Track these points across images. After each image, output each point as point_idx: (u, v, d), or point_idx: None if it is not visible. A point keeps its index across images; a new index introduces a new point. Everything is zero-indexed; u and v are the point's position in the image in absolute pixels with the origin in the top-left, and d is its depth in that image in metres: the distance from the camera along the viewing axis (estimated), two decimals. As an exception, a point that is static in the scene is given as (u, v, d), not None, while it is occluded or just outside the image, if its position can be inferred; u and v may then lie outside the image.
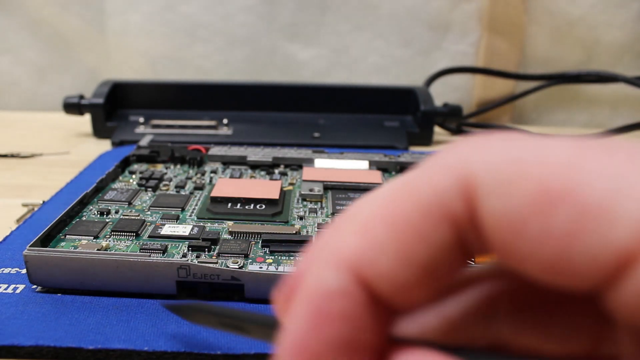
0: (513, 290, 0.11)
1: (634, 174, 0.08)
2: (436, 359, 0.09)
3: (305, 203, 0.32)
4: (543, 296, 0.10)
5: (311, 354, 0.09)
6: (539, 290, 0.10)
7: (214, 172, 0.37)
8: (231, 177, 0.36)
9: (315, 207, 0.31)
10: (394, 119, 0.56)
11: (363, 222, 0.09)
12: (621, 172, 0.08)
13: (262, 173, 0.37)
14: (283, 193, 0.33)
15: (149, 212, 0.30)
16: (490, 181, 0.09)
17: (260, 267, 0.24)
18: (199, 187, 0.34)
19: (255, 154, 0.39)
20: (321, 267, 0.09)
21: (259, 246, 0.26)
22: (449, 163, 0.09)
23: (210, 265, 0.23)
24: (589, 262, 0.08)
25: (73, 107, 0.52)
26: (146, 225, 0.28)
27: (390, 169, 0.39)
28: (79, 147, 0.50)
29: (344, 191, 0.34)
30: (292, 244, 0.26)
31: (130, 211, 0.30)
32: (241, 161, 0.39)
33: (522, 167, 0.08)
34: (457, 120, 0.55)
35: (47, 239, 0.25)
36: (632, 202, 0.08)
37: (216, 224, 0.29)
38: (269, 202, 0.31)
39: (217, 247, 0.26)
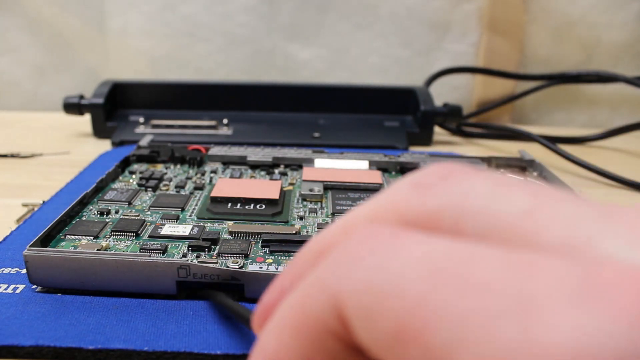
0: None
1: (478, 318, 0.08)
2: None
3: (305, 203, 0.32)
4: None
5: None
6: None
7: (214, 172, 0.37)
8: (231, 177, 0.36)
9: (315, 207, 0.31)
10: (394, 119, 0.56)
11: (277, 324, 0.11)
12: (467, 315, 0.08)
13: (262, 173, 0.37)
14: (283, 193, 0.33)
15: (149, 212, 0.30)
16: (355, 312, 0.09)
17: (260, 267, 0.24)
18: (199, 187, 0.34)
19: (255, 154, 0.39)
20: None
21: (259, 246, 0.26)
22: (324, 283, 0.10)
23: (210, 265, 0.23)
24: None
25: (73, 107, 0.52)
26: (146, 225, 0.28)
27: (390, 169, 0.39)
28: (79, 147, 0.50)
29: (344, 191, 0.34)
30: (292, 244, 0.26)
31: (130, 211, 0.30)
32: (241, 161, 0.39)
33: (381, 300, 0.09)
34: (457, 120, 0.55)
35: (47, 239, 0.25)
36: (470, 351, 0.07)
37: (216, 224, 0.29)
38: (269, 202, 0.31)
39: (217, 247, 0.26)
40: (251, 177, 0.37)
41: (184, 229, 0.27)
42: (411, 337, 0.08)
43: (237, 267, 0.23)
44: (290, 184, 0.35)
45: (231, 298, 0.22)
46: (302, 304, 0.10)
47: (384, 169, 0.38)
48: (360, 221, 0.12)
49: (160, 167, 0.38)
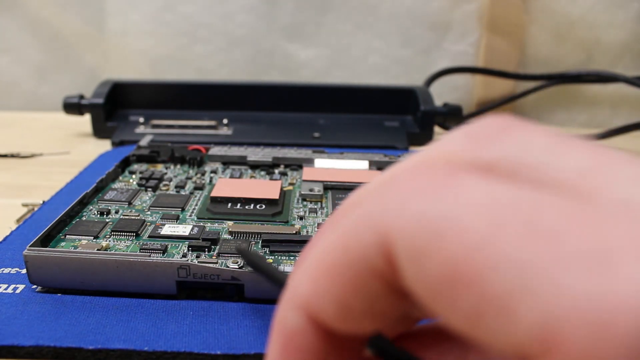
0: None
1: (542, 266, 0.07)
2: None
3: (305, 203, 0.32)
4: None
5: None
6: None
7: (214, 172, 0.37)
8: (231, 177, 0.36)
9: (315, 207, 0.31)
10: (394, 119, 0.56)
11: (311, 267, 0.10)
12: (530, 263, 0.07)
13: (262, 173, 0.37)
14: (283, 193, 0.33)
15: (149, 212, 0.30)
16: (406, 248, 0.09)
17: (260, 267, 0.24)
18: (199, 187, 0.34)
19: (255, 154, 0.39)
20: (284, 309, 0.11)
21: (259, 246, 0.26)
22: (371, 220, 0.09)
23: (210, 265, 0.23)
24: (489, 346, 0.08)
25: (73, 107, 0.52)
26: (146, 225, 0.28)
27: (390, 169, 0.39)
28: (79, 147, 0.50)
29: (344, 191, 0.34)
30: (292, 244, 0.26)
31: (130, 211, 0.30)
32: (241, 161, 0.39)
33: (436, 238, 0.08)
34: (457, 120, 0.55)
35: (47, 239, 0.25)
36: (531, 303, 0.07)
37: (216, 224, 0.29)
38: (269, 202, 0.31)
39: (217, 247, 0.26)
40: (251, 177, 0.37)
41: (184, 229, 0.27)
42: (466, 282, 0.08)
43: (237, 267, 0.23)
44: (290, 184, 0.35)
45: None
46: (345, 242, 0.10)
47: (384, 169, 0.38)
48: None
49: (160, 167, 0.38)
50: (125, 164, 0.38)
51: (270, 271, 0.17)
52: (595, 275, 0.07)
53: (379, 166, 0.39)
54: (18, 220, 0.32)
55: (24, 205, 0.34)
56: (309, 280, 0.10)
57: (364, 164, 0.38)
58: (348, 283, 0.10)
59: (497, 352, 0.08)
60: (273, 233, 0.27)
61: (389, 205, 0.09)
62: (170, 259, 0.24)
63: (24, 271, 0.25)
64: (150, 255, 0.23)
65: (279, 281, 0.15)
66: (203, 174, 0.37)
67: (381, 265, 0.09)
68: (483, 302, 0.08)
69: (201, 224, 0.28)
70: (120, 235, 0.27)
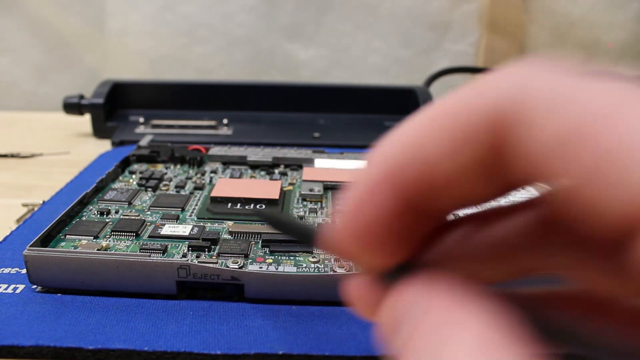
0: (552, 221, 0.12)
1: None
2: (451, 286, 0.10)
3: (305, 203, 0.32)
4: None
5: (355, 230, 0.11)
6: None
7: (214, 172, 0.37)
8: (231, 177, 0.36)
9: (315, 207, 0.31)
10: (394, 119, 0.56)
11: (415, 123, 0.11)
12: None
13: (262, 173, 0.37)
14: (283, 193, 0.33)
15: (149, 212, 0.30)
16: (532, 106, 0.09)
17: (260, 267, 0.24)
18: (199, 187, 0.34)
19: (255, 154, 0.39)
20: (374, 159, 0.11)
21: (259, 246, 0.26)
22: (501, 81, 0.10)
23: (210, 265, 0.23)
24: (607, 206, 0.08)
25: (73, 107, 0.52)
26: (146, 225, 0.28)
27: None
28: (79, 147, 0.50)
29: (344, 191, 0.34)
30: (292, 244, 0.26)
31: (130, 211, 0.30)
32: (241, 161, 0.39)
33: (565, 100, 0.09)
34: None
35: (47, 239, 0.25)
36: None
37: (216, 224, 0.29)
38: (269, 202, 0.31)
39: (217, 247, 0.26)
40: (251, 177, 0.37)
41: (184, 229, 0.27)
42: (593, 133, 0.08)
43: (237, 267, 0.23)
44: (290, 184, 0.35)
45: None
46: (468, 96, 0.10)
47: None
48: None
49: (160, 167, 0.38)
50: (125, 164, 0.38)
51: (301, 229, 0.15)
52: None
53: (379, 166, 0.39)
54: (18, 220, 0.32)
55: (24, 205, 0.34)
56: (413, 133, 0.11)
57: (364, 164, 0.38)
58: (461, 133, 0.10)
59: (598, 225, 0.08)
60: (273, 233, 0.27)
61: (521, 70, 0.10)
62: (170, 259, 0.24)
63: (24, 271, 0.25)
64: (150, 255, 0.23)
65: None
66: (203, 174, 0.37)
67: (504, 119, 0.09)
68: (605, 157, 0.08)
69: (201, 224, 0.28)
70: (120, 235, 0.27)
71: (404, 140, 0.11)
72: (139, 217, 0.29)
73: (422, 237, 0.12)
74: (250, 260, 0.24)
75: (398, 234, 0.11)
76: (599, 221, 0.08)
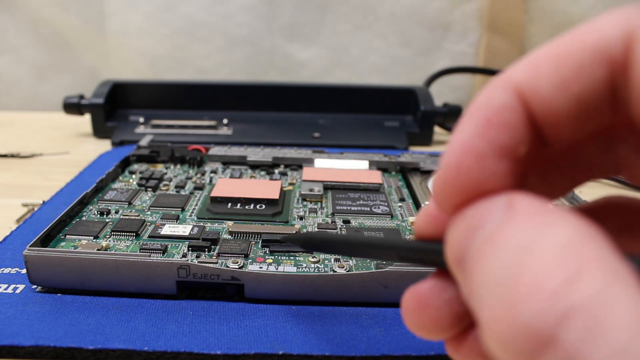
0: (622, 214, 0.12)
1: None
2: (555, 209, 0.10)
3: (305, 203, 0.32)
4: None
5: (476, 152, 0.11)
6: None
7: (214, 172, 0.37)
8: (231, 177, 0.36)
9: (315, 207, 0.31)
10: (394, 119, 0.56)
11: (534, 57, 0.11)
12: None
13: (262, 173, 0.37)
14: (283, 193, 0.33)
15: (149, 212, 0.30)
16: None
17: (260, 267, 0.24)
18: (199, 187, 0.34)
19: (255, 154, 0.39)
20: (492, 88, 0.11)
21: (259, 246, 0.26)
22: (617, 18, 0.10)
23: (210, 265, 0.23)
24: None
25: (73, 107, 0.52)
26: (146, 225, 0.28)
27: (390, 169, 0.39)
28: (79, 147, 0.50)
29: (344, 191, 0.34)
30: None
31: (130, 211, 0.30)
32: (241, 161, 0.39)
33: None
34: (457, 120, 0.55)
35: (47, 239, 0.25)
36: None
37: (216, 224, 0.29)
38: (269, 202, 0.31)
39: (217, 247, 0.26)
40: (251, 177, 0.37)
41: (184, 229, 0.27)
42: None
43: (237, 267, 0.23)
44: (290, 184, 0.35)
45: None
46: (584, 32, 0.10)
47: (384, 169, 0.38)
48: None
49: (160, 167, 0.38)
50: (125, 164, 0.38)
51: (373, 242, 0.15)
52: None
53: (379, 166, 0.39)
54: (18, 220, 0.32)
55: (24, 205, 0.34)
56: (530, 66, 0.11)
57: (364, 164, 0.38)
58: (577, 66, 0.10)
59: None
60: (273, 233, 0.27)
61: (637, 10, 0.10)
62: (170, 259, 0.24)
63: (24, 271, 0.25)
64: (150, 255, 0.23)
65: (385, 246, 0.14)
66: (203, 174, 0.37)
67: (618, 53, 0.10)
68: None
69: (201, 224, 0.28)
70: (120, 235, 0.27)
71: (538, 63, 0.11)
72: (139, 217, 0.29)
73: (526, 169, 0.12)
74: (250, 260, 0.24)
75: (519, 157, 0.11)
76: None
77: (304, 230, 0.28)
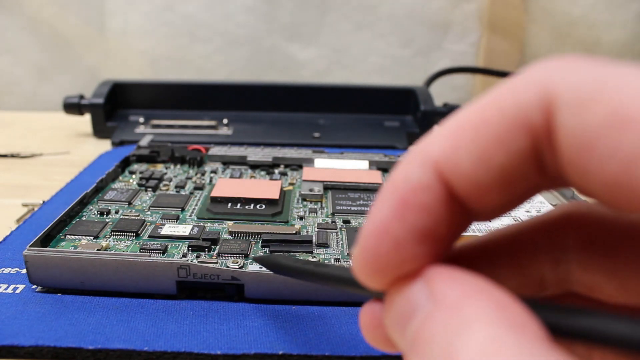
0: (582, 229, 0.12)
1: None
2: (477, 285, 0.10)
3: (305, 203, 0.32)
4: (612, 234, 0.11)
5: (392, 237, 0.10)
6: (608, 228, 0.11)
7: (214, 172, 0.37)
8: (231, 177, 0.36)
9: (315, 207, 0.31)
10: (394, 119, 0.56)
11: (451, 128, 0.10)
12: None
13: (262, 173, 0.37)
14: (283, 193, 0.33)
15: (149, 212, 0.30)
16: (569, 98, 0.09)
17: (261, 267, 0.24)
18: (199, 187, 0.34)
19: (255, 154, 0.39)
20: (409, 164, 0.11)
21: (259, 246, 0.26)
22: (533, 78, 0.10)
23: (210, 265, 0.23)
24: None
25: (73, 107, 0.52)
26: (146, 225, 0.28)
27: (390, 169, 0.39)
28: (79, 147, 0.50)
29: (344, 191, 0.34)
30: (292, 244, 0.26)
31: (130, 211, 0.30)
32: (241, 161, 0.39)
33: (602, 89, 0.09)
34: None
35: (47, 239, 0.25)
36: None
37: (216, 224, 0.29)
38: (269, 202, 0.31)
39: (217, 247, 0.26)
40: (251, 177, 0.37)
41: (184, 229, 0.27)
42: (630, 121, 0.08)
43: (237, 267, 0.23)
44: (290, 184, 0.35)
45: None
46: (500, 98, 0.10)
47: (384, 169, 0.38)
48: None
49: (160, 167, 0.38)
50: (125, 164, 0.38)
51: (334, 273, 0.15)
52: None
53: (379, 166, 0.39)
54: (18, 220, 0.32)
55: (24, 205, 0.34)
56: (447, 138, 0.10)
57: (364, 164, 0.38)
58: (496, 138, 0.10)
59: (633, 209, 0.09)
60: (273, 233, 0.27)
61: (555, 67, 0.10)
62: (170, 259, 0.24)
63: (24, 271, 0.25)
64: (150, 255, 0.23)
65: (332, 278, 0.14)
66: (203, 174, 0.37)
67: (538, 120, 0.09)
68: None
69: (201, 224, 0.28)
70: (120, 235, 0.27)
71: (455, 135, 0.10)
72: (139, 217, 0.29)
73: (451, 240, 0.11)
74: (250, 260, 0.24)
75: (440, 237, 0.11)
76: (635, 197, 0.09)
77: (304, 231, 0.28)
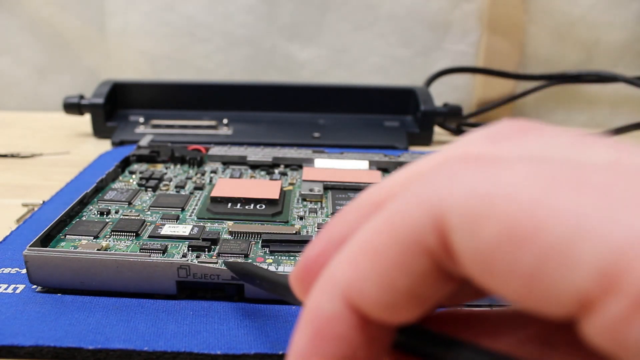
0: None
1: (599, 212, 0.08)
2: None
3: (305, 203, 0.32)
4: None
5: None
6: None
7: (214, 172, 0.37)
8: (231, 177, 0.36)
9: (315, 207, 0.31)
10: (394, 119, 0.56)
11: (353, 253, 0.10)
12: (586, 211, 0.08)
13: (262, 173, 0.37)
14: (283, 193, 0.33)
15: (149, 212, 0.30)
16: (460, 218, 0.09)
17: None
18: (199, 187, 0.34)
19: (255, 154, 0.39)
20: (319, 294, 0.11)
21: (259, 246, 0.26)
22: (422, 198, 0.10)
23: (210, 265, 0.23)
24: (552, 300, 0.08)
25: (73, 107, 0.52)
26: (146, 225, 0.28)
27: (390, 169, 0.39)
28: (79, 147, 0.50)
29: (344, 191, 0.34)
30: (292, 244, 0.26)
31: (130, 211, 0.30)
32: (241, 161, 0.39)
33: (490, 204, 0.08)
34: (457, 120, 0.55)
35: (47, 239, 0.25)
36: (591, 246, 0.08)
37: (216, 224, 0.29)
38: (269, 202, 0.31)
39: (217, 247, 0.26)
40: (251, 177, 0.37)
41: (184, 229, 0.27)
42: (525, 236, 0.08)
43: (237, 267, 0.23)
44: (290, 184, 0.35)
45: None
46: (394, 225, 0.10)
47: (384, 169, 0.38)
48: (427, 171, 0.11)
49: (160, 167, 0.38)
50: (125, 164, 0.38)
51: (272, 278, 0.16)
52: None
53: (379, 166, 0.39)
54: (18, 220, 0.32)
55: (24, 205, 0.34)
56: (350, 265, 0.10)
57: (364, 164, 0.38)
58: (396, 263, 0.10)
59: (548, 316, 0.08)
60: (273, 233, 0.27)
61: (441, 184, 0.09)
62: (170, 259, 0.24)
63: (24, 271, 0.25)
64: (150, 255, 0.23)
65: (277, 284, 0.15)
66: (203, 174, 0.37)
67: (433, 242, 0.09)
68: (543, 254, 0.08)
69: (201, 224, 0.28)
70: (120, 235, 0.27)
71: (357, 262, 0.10)
72: (139, 217, 0.29)
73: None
74: (250, 260, 0.24)
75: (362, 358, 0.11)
76: (543, 307, 0.08)
77: (304, 231, 0.28)
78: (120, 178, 0.35)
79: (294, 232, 0.27)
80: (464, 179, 0.09)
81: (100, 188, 0.33)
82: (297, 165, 0.39)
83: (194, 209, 0.31)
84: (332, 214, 0.30)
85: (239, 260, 0.24)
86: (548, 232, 0.08)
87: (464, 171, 0.09)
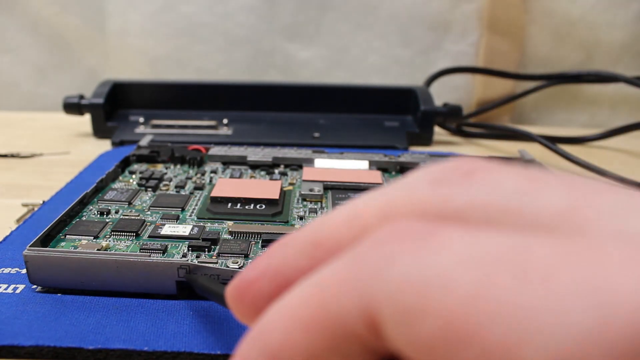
0: None
1: (543, 308, 0.07)
2: None
3: (305, 203, 0.32)
4: None
5: None
6: None
7: (214, 172, 0.37)
8: (231, 177, 0.36)
9: (315, 207, 0.31)
10: (394, 119, 0.56)
11: (285, 318, 0.10)
12: (531, 304, 0.07)
13: (262, 173, 0.37)
14: (283, 193, 0.33)
15: (149, 212, 0.30)
16: (393, 312, 0.08)
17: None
18: (199, 187, 0.34)
19: (255, 154, 0.39)
20: (250, 351, 0.10)
21: (259, 246, 0.26)
22: (353, 285, 0.09)
23: (210, 265, 0.23)
24: None
25: (73, 107, 0.52)
26: (146, 225, 0.28)
27: (390, 169, 0.39)
28: (79, 147, 0.50)
29: (344, 191, 0.34)
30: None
31: (130, 211, 0.30)
32: (241, 161, 0.39)
33: (425, 297, 0.08)
34: (457, 120, 0.55)
35: (47, 239, 0.25)
36: (539, 342, 0.07)
37: (216, 224, 0.29)
38: (269, 202, 0.31)
39: (217, 247, 0.26)
40: (251, 177, 0.37)
41: (184, 229, 0.27)
42: (464, 337, 0.07)
43: (237, 267, 0.23)
44: (290, 184, 0.35)
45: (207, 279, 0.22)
46: (324, 303, 0.09)
47: (384, 169, 0.38)
48: (370, 214, 0.10)
49: (160, 167, 0.38)
50: (125, 164, 0.38)
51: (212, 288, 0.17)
52: (596, 314, 0.07)
53: (379, 166, 0.39)
54: (18, 220, 0.32)
55: (24, 205, 0.34)
56: (281, 331, 0.10)
57: (364, 164, 0.38)
58: (325, 342, 0.09)
59: None
60: (273, 233, 0.27)
61: (371, 272, 0.09)
62: (170, 259, 0.24)
63: (24, 271, 0.25)
64: (150, 255, 0.23)
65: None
66: (203, 174, 0.37)
67: (363, 332, 0.09)
68: (485, 354, 0.07)
69: (201, 224, 0.28)
70: (120, 235, 0.27)
71: (288, 331, 0.10)
72: (139, 217, 0.29)
73: None
74: (250, 260, 0.24)
75: None
76: None
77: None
78: (120, 178, 0.35)
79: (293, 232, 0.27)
80: (398, 263, 0.08)
81: (100, 188, 0.33)
82: (297, 165, 0.39)
83: (194, 209, 0.31)
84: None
85: (234, 264, 0.24)
86: (489, 332, 0.07)
87: (398, 255, 0.08)
